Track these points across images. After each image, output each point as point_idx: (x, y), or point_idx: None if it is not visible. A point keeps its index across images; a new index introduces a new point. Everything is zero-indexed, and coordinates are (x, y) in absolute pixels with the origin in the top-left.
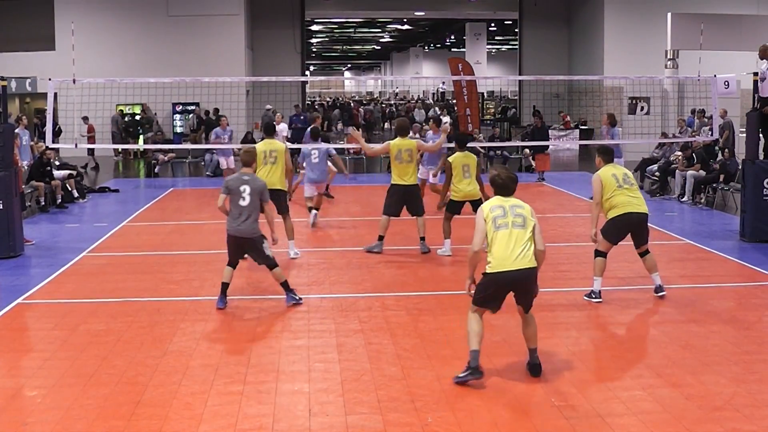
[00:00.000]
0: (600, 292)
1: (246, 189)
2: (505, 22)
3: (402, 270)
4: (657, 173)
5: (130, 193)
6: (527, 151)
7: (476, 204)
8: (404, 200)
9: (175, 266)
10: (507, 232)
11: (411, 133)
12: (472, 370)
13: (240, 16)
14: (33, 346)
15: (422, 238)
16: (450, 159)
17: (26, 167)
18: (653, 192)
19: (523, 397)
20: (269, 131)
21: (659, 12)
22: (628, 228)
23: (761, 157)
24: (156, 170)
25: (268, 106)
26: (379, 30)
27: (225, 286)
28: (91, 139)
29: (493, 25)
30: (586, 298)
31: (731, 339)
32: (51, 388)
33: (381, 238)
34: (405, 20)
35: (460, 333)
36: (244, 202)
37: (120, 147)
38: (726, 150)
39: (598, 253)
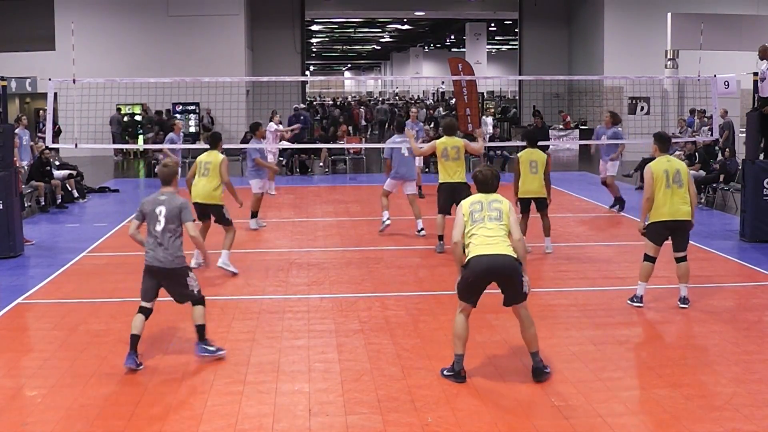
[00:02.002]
0: (642, 297)
1: (162, 210)
2: (505, 22)
3: (402, 270)
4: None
5: (130, 193)
6: None
7: (540, 203)
8: (453, 198)
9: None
10: (482, 224)
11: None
12: (456, 375)
13: (240, 16)
14: (33, 346)
15: (440, 236)
16: (519, 154)
17: (26, 167)
18: None
19: (523, 397)
20: (213, 141)
21: (659, 12)
22: (667, 233)
23: (761, 156)
24: (156, 170)
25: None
26: (379, 30)
27: (135, 338)
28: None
29: (493, 25)
30: (628, 302)
31: (731, 339)
32: (51, 388)
33: (440, 237)
34: (405, 20)
35: None
36: (160, 226)
37: (120, 147)
38: (726, 149)
39: (647, 258)
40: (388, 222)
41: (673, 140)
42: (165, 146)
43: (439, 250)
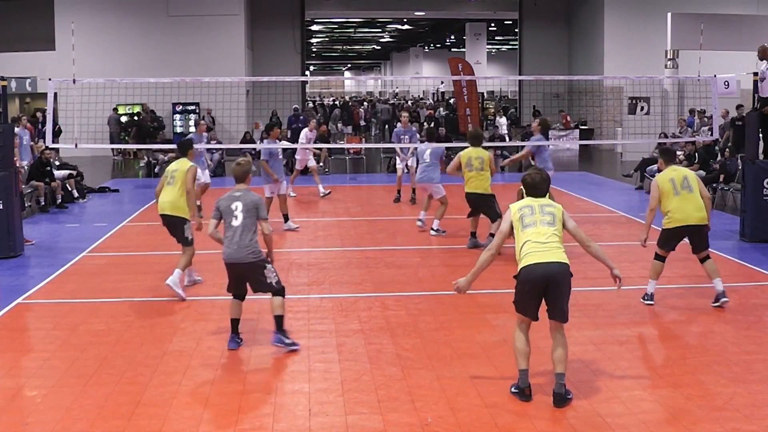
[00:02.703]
0: (653, 294)
1: (238, 206)
2: (505, 22)
3: (402, 270)
4: (657, 173)
5: (130, 193)
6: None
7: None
8: (476, 208)
9: (174, 266)
10: (535, 229)
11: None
12: (520, 393)
13: (240, 16)
14: (33, 346)
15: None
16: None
17: (26, 167)
18: None
19: None
20: (183, 149)
21: (659, 12)
22: (682, 237)
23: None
24: (156, 170)
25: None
26: (379, 30)
27: (235, 322)
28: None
29: (493, 25)
30: (642, 300)
31: (731, 339)
32: (51, 388)
33: (473, 234)
34: (405, 20)
35: (459, 333)
36: (237, 222)
37: (120, 147)
38: (727, 149)
39: (657, 257)
40: (419, 223)
41: (673, 140)
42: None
43: (470, 245)
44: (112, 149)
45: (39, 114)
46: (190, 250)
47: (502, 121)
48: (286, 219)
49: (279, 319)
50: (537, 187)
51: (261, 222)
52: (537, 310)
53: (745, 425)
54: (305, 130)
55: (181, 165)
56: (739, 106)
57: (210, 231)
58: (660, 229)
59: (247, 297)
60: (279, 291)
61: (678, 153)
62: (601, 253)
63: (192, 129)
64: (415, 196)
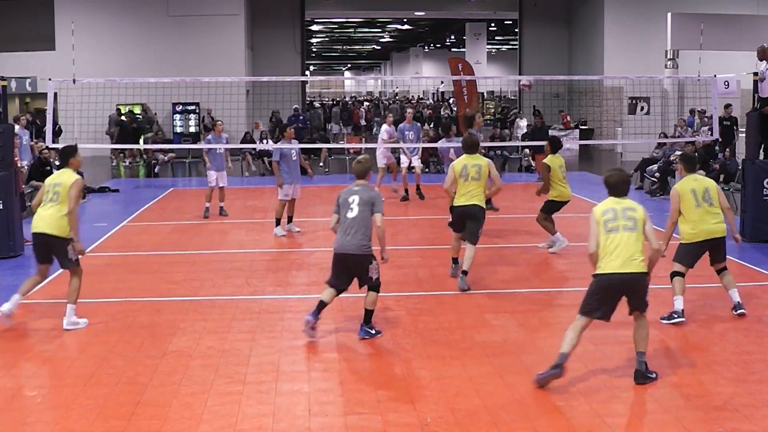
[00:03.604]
0: (683, 311)
1: (355, 199)
2: (505, 22)
3: (402, 270)
4: (657, 173)
5: (130, 193)
6: (527, 151)
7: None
8: (464, 223)
9: (175, 266)
10: (617, 235)
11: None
12: (555, 367)
13: (240, 16)
14: (33, 346)
15: (465, 272)
16: (547, 161)
17: (26, 167)
18: (653, 192)
19: (523, 397)
20: (64, 157)
21: (659, 12)
22: (704, 251)
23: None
24: (156, 170)
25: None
26: (379, 30)
27: (322, 304)
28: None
29: (493, 25)
30: (664, 321)
31: (731, 339)
32: (51, 388)
33: (455, 260)
34: (405, 20)
35: (459, 333)
36: (352, 214)
37: (120, 147)
38: (727, 149)
39: (676, 274)
40: None
41: (673, 141)
42: (203, 146)
43: (453, 274)
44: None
45: (28, 116)
46: (78, 272)
47: (522, 123)
48: (290, 220)
49: (369, 313)
50: (619, 188)
51: (375, 216)
52: (604, 313)
53: (744, 425)
54: (210, 135)
55: (65, 178)
56: (727, 106)
57: (332, 225)
58: (678, 243)
59: (247, 297)
60: (375, 287)
61: (678, 153)
62: (656, 260)
63: (192, 129)
64: (408, 195)
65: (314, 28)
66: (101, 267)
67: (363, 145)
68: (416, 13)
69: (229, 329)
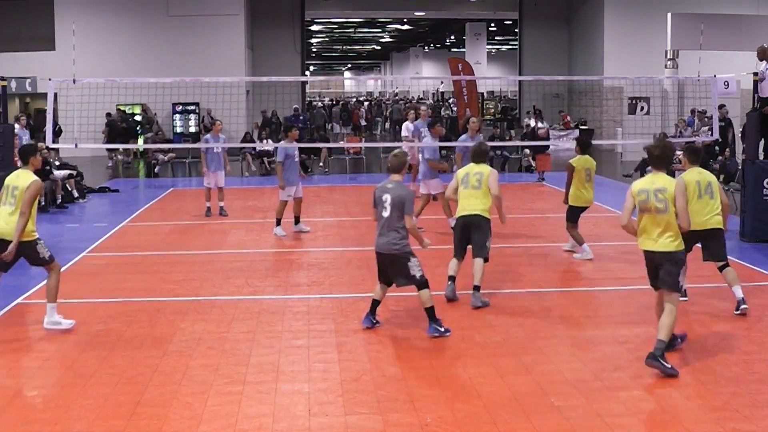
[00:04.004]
0: (685, 290)
1: (387, 198)
2: (505, 22)
3: None
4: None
5: (130, 193)
6: (527, 151)
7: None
8: (467, 235)
9: (175, 266)
10: (650, 216)
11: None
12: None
13: (240, 16)
14: (33, 346)
15: (476, 287)
16: (573, 162)
17: None
18: None
19: (523, 397)
20: (24, 155)
21: (659, 12)
22: (696, 241)
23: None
24: (156, 170)
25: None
26: (379, 30)
27: (376, 303)
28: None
29: (493, 25)
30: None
31: (731, 339)
32: (51, 388)
33: (451, 278)
34: (405, 20)
35: (459, 333)
36: (386, 213)
37: (120, 147)
38: (727, 149)
39: None
40: None
41: (673, 141)
42: (201, 145)
43: (449, 295)
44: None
45: (23, 118)
46: (55, 269)
47: (539, 124)
48: (297, 221)
49: (431, 311)
50: (659, 160)
51: (406, 217)
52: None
53: (744, 425)
54: (208, 135)
55: (22, 180)
56: (721, 106)
57: (374, 219)
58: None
59: (247, 297)
60: (422, 284)
61: (678, 153)
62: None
63: (192, 129)
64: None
65: (314, 28)
66: (101, 267)
67: (363, 145)
68: (416, 13)
69: (229, 329)
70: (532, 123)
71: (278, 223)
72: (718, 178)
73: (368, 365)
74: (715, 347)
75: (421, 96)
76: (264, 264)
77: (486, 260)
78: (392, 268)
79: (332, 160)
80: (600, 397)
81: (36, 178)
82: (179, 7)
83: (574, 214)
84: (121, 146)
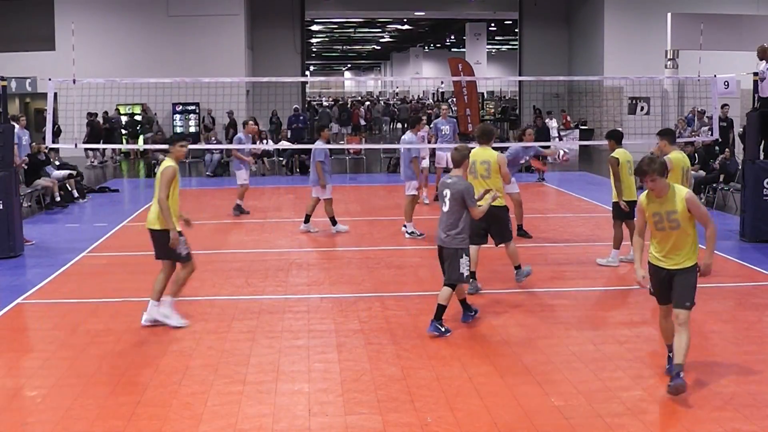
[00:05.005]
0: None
1: (447, 193)
2: (505, 22)
3: (402, 270)
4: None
5: (130, 193)
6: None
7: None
8: (481, 226)
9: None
10: (665, 233)
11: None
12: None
13: (240, 16)
14: (33, 346)
15: (517, 267)
16: (617, 155)
17: (25, 167)
18: None
19: (523, 397)
20: (169, 144)
21: (659, 12)
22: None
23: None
24: (156, 170)
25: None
26: (379, 30)
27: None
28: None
29: (493, 25)
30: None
31: (731, 339)
32: (51, 388)
33: (473, 274)
34: (405, 20)
35: (459, 333)
36: (445, 208)
37: (120, 147)
38: (726, 149)
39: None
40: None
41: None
42: (234, 146)
43: (471, 291)
44: (112, 150)
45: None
46: (189, 265)
47: (554, 124)
48: (334, 222)
49: (440, 309)
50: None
51: (470, 209)
52: (664, 299)
53: (745, 425)
54: (240, 134)
55: (161, 168)
56: (723, 105)
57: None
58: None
59: (247, 297)
60: (456, 284)
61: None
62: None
63: (192, 129)
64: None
65: (314, 28)
66: (101, 267)
67: (363, 146)
68: (416, 13)
69: (229, 329)
70: (554, 124)
71: (307, 219)
72: (718, 178)
73: (368, 365)
74: (716, 347)
75: (421, 96)
76: (264, 264)
77: (511, 239)
78: (444, 261)
79: (332, 159)
80: (600, 397)
81: (171, 164)
82: (179, 7)
83: (628, 211)
84: (120, 146)
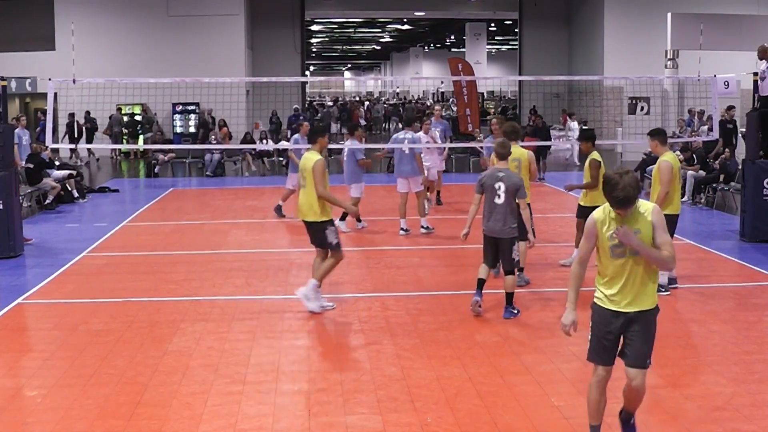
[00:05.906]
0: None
1: (501, 186)
2: (505, 22)
3: (402, 270)
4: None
5: (130, 193)
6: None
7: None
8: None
9: (175, 266)
10: (623, 262)
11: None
12: None
13: (240, 16)
14: (33, 346)
15: (521, 269)
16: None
17: (23, 166)
18: None
19: (522, 397)
20: (312, 136)
21: (659, 12)
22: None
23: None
24: (156, 170)
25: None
26: (379, 30)
27: (480, 281)
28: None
29: (493, 25)
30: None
31: (731, 339)
32: (51, 388)
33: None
34: (405, 20)
35: (459, 333)
36: (499, 200)
37: (120, 147)
38: (727, 149)
39: None
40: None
41: (673, 141)
42: (290, 146)
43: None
44: (112, 149)
45: (24, 119)
46: (339, 255)
47: (574, 125)
48: (359, 219)
49: (510, 296)
50: (627, 201)
51: (520, 201)
52: (608, 357)
53: (745, 425)
54: (297, 135)
55: (308, 162)
56: (730, 108)
57: (475, 203)
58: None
59: (247, 297)
60: (512, 270)
61: (678, 154)
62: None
63: (192, 129)
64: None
65: (314, 28)
66: (101, 267)
67: (363, 146)
68: (416, 13)
69: (229, 329)
70: (575, 126)
71: (359, 219)
72: (718, 178)
73: (368, 365)
74: (715, 347)
75: (421, 96)
76: (264, 264)
77: (525, 238)
78: (501, 249)
79: (332, 159)
80: None
81: (319, 157)
82: (179, 7)
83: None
84: (120, 146)
